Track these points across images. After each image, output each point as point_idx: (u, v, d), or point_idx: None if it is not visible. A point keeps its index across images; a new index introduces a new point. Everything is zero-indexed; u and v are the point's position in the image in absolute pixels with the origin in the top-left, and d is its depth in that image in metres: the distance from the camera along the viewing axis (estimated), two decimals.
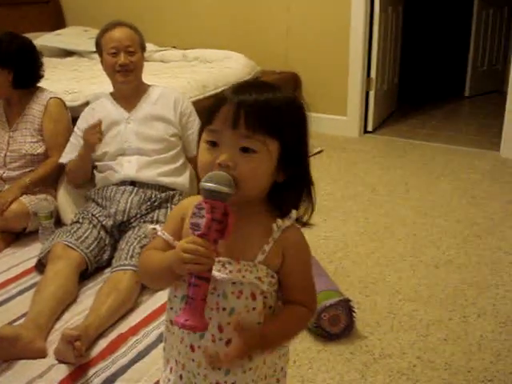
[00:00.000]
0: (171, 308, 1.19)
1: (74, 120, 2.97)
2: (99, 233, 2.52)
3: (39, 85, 3.09)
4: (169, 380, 1.24)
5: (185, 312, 1.04)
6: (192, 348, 1.15)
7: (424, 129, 4.92)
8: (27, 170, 2.97)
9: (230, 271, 1.09)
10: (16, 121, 3.01)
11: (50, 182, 3.01)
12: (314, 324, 2.06)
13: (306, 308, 1.16)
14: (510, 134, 4.08)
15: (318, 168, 3.90)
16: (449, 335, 2.12)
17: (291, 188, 1.13)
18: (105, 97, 2.86)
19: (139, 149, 2.72)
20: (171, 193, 2.69)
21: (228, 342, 1.11)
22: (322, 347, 2.05)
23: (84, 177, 2.85)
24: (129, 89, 2.77)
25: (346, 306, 2.07)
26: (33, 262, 2.61)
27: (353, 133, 4.61)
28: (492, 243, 2.82)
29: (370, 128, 4.70)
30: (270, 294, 1.14)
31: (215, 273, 1.08)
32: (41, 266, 2.51)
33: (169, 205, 2.66)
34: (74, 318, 2.21)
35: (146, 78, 2.87)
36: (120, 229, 2.56)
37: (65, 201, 2.93)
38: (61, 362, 1.96)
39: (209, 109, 1.08)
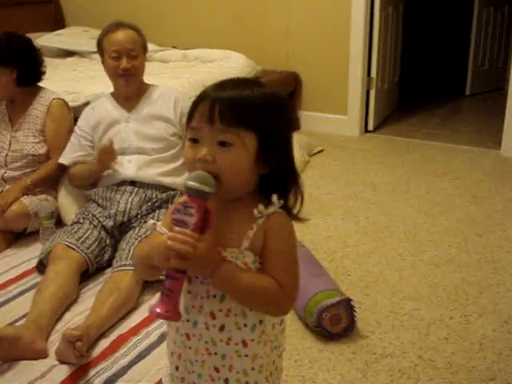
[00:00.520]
0: (188, 320, 1.19)
1: (75, 120, 2.97)
2: (100, 233, 2.52)
3: (42, 85, 3.09)
4: (168, 374, 1.27)
5: (163, 303, 1.07)
6: (188, 336, 1.17)
7: (425, 128, 4.92)
8: (28, 170, 2.97)
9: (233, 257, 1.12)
10: (19, 121, 3.01)
11: (51, 182, 3.01)
12: (314, 324, 2.06)
13: (280, 288, 1.11)
14: (510, 133, 4.08)
15: (318, 167, 3.90)
16: (450, 334, 2.11)
17: (277, 180, 1.15)
18: (105, 96, 2.86)
19: (139, 148, 2.72)
20: (172, 193, 2.68)
21: (221, 329, 1.13)
22: (323, 347, 2.05)
23: (86, 185, 2.84)
24: (130, 91, 2.77)
25: (346, 305, 2.07)
26: (33, 263, 2.61)
27: (353, 132, 4.61)
28: (493, 242, 2.82)
29: (370, 127, 4.70)
30: None
31: None
32: (41, 267, 2.51)
33: (169, 205, 2.65)
34: (75, 319, 2.21)
35: (146, 77, 2.86)
36: (121, 229, 2.56)
37: (65, 201, 2.93)
38: (62, 362, 1.96)
39: (191, 108, 1.13)
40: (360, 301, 2.30)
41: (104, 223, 2.55)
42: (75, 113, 3.11)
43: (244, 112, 1.09)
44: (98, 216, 2.57)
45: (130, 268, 2.28)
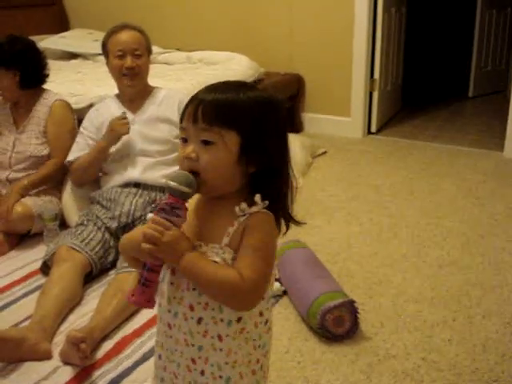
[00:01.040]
0: (169, 311, 1.22)
1: (79, 122, 2.98)
2: (104, 235, 2.53)
3: (46, 87, 3.10)
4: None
5: (139, 292, 1.14)
6: (169, 326, 1.22)
7: (428, 130, 4.92)
8: (32, 171, 2.98)
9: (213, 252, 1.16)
10: (23, 123, 3.02)
11: (55, 183, 3.02)
12: (318, 325, 2.06)
13: (243, 282, 1.09)
14: None
15: (321, 169, 3.91)
16: (453, 336, 2.12)
17: (265, 180, 1.17)
18: (110, 98, 2.88)
19: (143, 150, 2.72)
20: None
21: (199, 321, 1.17)
22: (326, 348, 2.05)
23: (91, 176, 2.85)
24: (134, 91, 2.78)
25: (350, 307, 2.08)
26: (37, 264, 2.62)
27: (356, 134, 4.61)
28: (496, 244, 2.82)
29: (373, 129, 4.70)
30: None
31: None
32: (46, 268, 2.52)
33: None
34: (79, 320, 2.22)
35: (150, 80, 2.87)
36: (125, 231, 2.56)
37: (69, 203, 2.93)
38: (66, 363, 1.97)
39: (183, 109, 1.18)
40: (363, 302, 2.30)
41: (108, 225, 2.56)
42: (79, 115, 3.11)
43: (226, 112, 1.13)
44: (102, 217, 2.58)
45: (133, 270, 2.28)
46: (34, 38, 3.45)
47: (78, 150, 2.84)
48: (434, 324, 2.19)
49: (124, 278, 2.27)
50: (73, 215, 2.88)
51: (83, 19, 5.64)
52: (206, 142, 1.13)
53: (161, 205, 1.13)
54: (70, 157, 2.86)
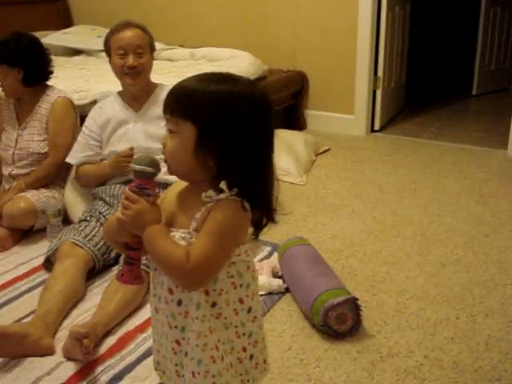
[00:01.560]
0: (154, 295, 1.28)
1: (82, 118, 2.98)
2: None
3: (49, 83, 3.10)
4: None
5: (130, 271, 1.25)
6: (156, 310, 1.28)
7: (431, 128, 4.91)
8: (35, 167, 2.98)
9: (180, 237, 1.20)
10: (26, 119, 3.02)
11: (58, 179, 3.02)
12: (321, 322, 2.06)
13: (187, 259, 1.13)
14: None
15: (324, 166, 3.90)
16: (456, 334, 2.11)
17: (230, 172, 1.17)
18: (113, 96, 2.86)
19: (147, 148, 2.71)
20: None
21: (179, 303, 1.22)
22: (328, 346, 2.05)
23: (94, 185, 2.83)
24: (137, 89, 2.77)
25: (353, 304, 2.07)
26: (40, 260, 2.62)
27: (360, 131, 4.60)
28: (500, 242, 2.81)
29: (377, 127, 4.69)
30: None
31: None
32: (49, 264, 2.52)
33: None
34: (82, 316, 2.22)
35: (153, 76, 2.86)
36: None
37: (72, 199, 2.94)
38: (69, 359, 1.97)
39: None
40: (366, 300, 2.30)
41: None
42: (82, 111, 3.11)
43: (182, 102, 1.17)
44: (104, 214, 2.58)
45: None
46: (37, 34, 3.45)
47: (79, 151, 2.82)
48: (437, 322, 2.19)
49: None
50: (76, 211, 2.88)
51: (86, 15, 5.64)
52: (170, 131, 1.19)
53: (131, 188, 1.20)
54: (72, 159, 2.85)
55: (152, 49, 2.79)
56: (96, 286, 2.43)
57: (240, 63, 4.20)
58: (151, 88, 2.82)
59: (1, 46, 2.89)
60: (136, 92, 2.77)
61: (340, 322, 2.06)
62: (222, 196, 1.15)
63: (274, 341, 2.08)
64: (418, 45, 6.30)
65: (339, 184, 3.59)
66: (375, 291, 2.39)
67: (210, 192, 1.16)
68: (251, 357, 1.30)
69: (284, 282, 2.37)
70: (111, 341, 2.07)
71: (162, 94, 2.79)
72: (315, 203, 3.29)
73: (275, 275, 2.40)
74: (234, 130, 1.16)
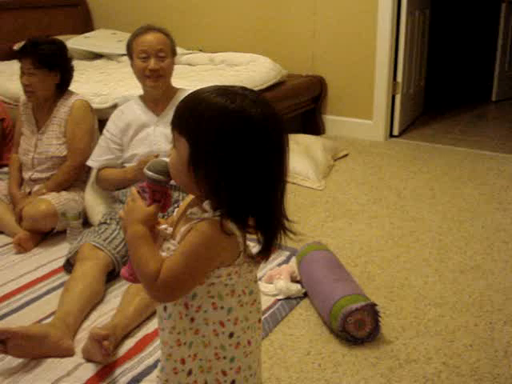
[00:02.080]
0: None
1: (103, 122, 3.00)
2: None
3: (70, 86, 3.13)
4: None
5: (129, 268, 1.27)
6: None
7: (450, 133, 4.89)
8: (55, 171, 3.01)
9: (166, 248, 1.22)
10: (45, 123, 3.05)
11: (78, 182, 3.04)
12: (339, 328, 2.06)
13: (156, 275, 1.14)
14: None
15: (343, 171, 3.90)
16: (475, 341, 2.10)
17: (221, 194, 1.14)
18: (134, 100, 2.88)
19: (168, 151, 2.73)
20: None
21: (165, 308, 1.24)
22: (347, 351, 2.05)
23: (115, 188, 2.86)
24: (158, 93, 2.79)
25: (371, 310, 2.07)
26: (60, 262, 2.65)
27: (378, 137, 4.59)
28: None
29: (395, 132, 4.68)
30: None
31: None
32: (69, 266, 2.55)
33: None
34: (101, 318, 2.24)
35: (173, 81, 2.88)
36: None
37: (92, 201, 2.96)
38: (88, 360, 1.98)
39: None
40: (384, 306, 2.29)
41: None
42: (103, 115, 3.14)
43: (179, 117, 1.17)
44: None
45: None
46: (58, 37, 3.50)
47: (100, 155, 2.85)
48: (456, 329, 2.18)
49: None
50: (95, 214, 2.90)
51: (107, 20, 5.69)
52: (173, 143, 1.20)
53: (136, 187, 1.26)
54: (93, 162, 2.88)
55: (174, 53, 2.81)
56: (115, 289, 2.44)
57: (259, 68, 4.22)
58: (172, 92, 2.83)
59: (40, 50, 2.90)
60: (157, 95, 2.79)
61: (358, 327, 2.06)
62: (205, 215, 1.15)
63: (292, 345, 2.08)
64: (438, 50, 6.28)
65: (357, 189, 3.58)
66: (393, 297, 2.39)
67: (196, 209, 1.17)
68: (233, 382, 1.26)
69: (302, 286, 2.37)
70: (130, 343, 2.08)
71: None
72: (333, 208, 3.29)
73: (294, 280, 2.41)
74: (227, 151, 1.12)
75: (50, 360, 1.99)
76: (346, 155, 4.22)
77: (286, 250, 2.73)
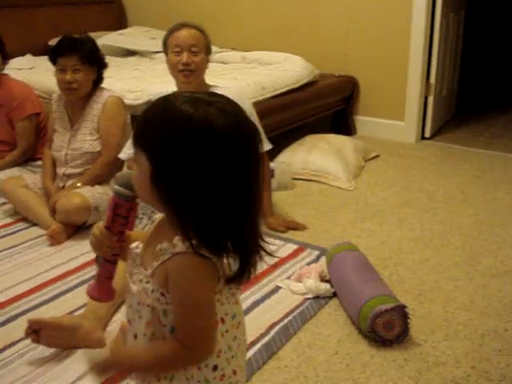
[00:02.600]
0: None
1: (136, 118, 3.03)
2: None
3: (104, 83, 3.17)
4: None
5: (94, 286, 1.31)
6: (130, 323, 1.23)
7: (483, 136, 4.83)
8: (88, 166, 3.06)
9: (136, 273, 1.16)
10: (78, 120, 3.09)
11: (111, 177, 3.06)
12: (368, 328, 2.06)
13: (184, 347, 1.08)
14: None
15: (373, 172, 3.88)
16: (504, 346, 2.08)
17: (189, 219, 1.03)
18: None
19: None
20: None
21: (136, 337, 1.17)
22: (375, 352, 2.05)
23: None
24: (191, 88, 2.81)
25: (401, 312, 2.06)
26: (92, 255, 2.64)
27: (410, 138, 4.56)
28: None
29: (427, 134, 4.64)
30: (163, 312, 1.11)
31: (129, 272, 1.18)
32: (100, 259, 2.57)
33: None
34: None
35: (206, 78, 2.91)
36: None
37: None
38: None
39: None
40: (413, 308, 2.28)
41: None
42: (137, 111, 3.18)
43: (140, 133, 1.06)
44: (156, 211, 2.62)
45: None
46: (92, 34, 3.56)
47: (130, 147, 2.89)
48: (485, 333, 2.16)
49: None
50: None
51: (141, 17, 5.74)
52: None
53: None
54: (122, 154, 2.93)
55: (208, 50, 2.83)
56: None
57: (291, 67, 4.22)
58: (205, 88, 2.86)
59: (84, 47, 2.97)
60: (189, 90, 2.81)
61: (387, 328, 2.05)
62: (177, 249, 1.04)
63: (320, 344, 2.09)
64: (471, 51, 6.21)
65: (388, 191, 3.57)
66: (423, 300, 2.38)
67: (165, 244, 1.06)
68: None
69: (331, 286, 2.37)
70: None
71: None
72: (363, 209, 3.28)
73: (323, 279, 2.41)
74: (189, 167, 1.00)
75: (80, 351, 2.02)
76: (377, 156, 4.20)
77: (315, 249, 2.74)
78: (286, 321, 2.20)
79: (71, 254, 2.77)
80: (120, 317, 2.22)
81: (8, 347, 2.07)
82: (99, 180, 3.03)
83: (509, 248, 2.82)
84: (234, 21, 5.17)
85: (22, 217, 3.10)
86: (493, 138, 4.81)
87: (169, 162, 1.00)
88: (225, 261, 1.07)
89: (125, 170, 3.01)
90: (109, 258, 1.26)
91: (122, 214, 1.19)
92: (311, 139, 4.00)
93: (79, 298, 2.35)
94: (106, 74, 3.16)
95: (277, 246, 2.77)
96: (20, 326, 2.09)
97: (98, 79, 3.08)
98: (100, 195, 2.94)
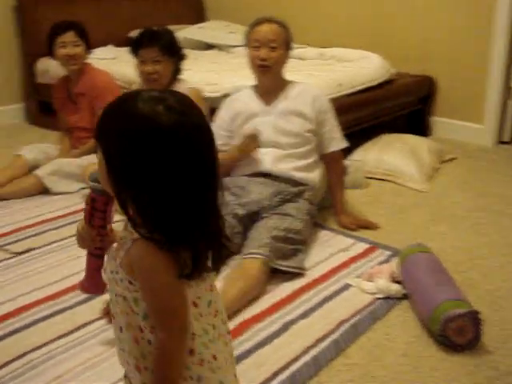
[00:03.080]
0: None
1: (213, 111, 3.08)
2: (231, 220, 2.61)
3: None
4: None
5: (83, 279, 1.41)
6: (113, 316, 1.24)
7: None
8: None
9: (109, 266, 1.20)
10: None
11: None
12: (438, 332, 2.03)
13: (162, 333, 1.10)
14: None
15: (448, 175, 3.81)
16: None
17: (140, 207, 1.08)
18: (246, 89, 2.95)
19: (275, 142, 2.79)
20: (302, 188, 2.74)
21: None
22: (445, 356, 2.02)
23: (225, 172, 2.94)
24: (268, 83, 2.84)
25: (474, 317, 2.02)
26: None
27: (487, 142, 4.44)
28: None
29: (505, 138, 4.51)
30: (134, 300, 1.13)
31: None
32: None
33: (299, 199, 2.71)
34: None
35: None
36: (251, 218, 2.64)
37: None
38: None
39: None
40: (487, 315, 2.22)
41: (236, 211, 2.64)
42: (214, 103, 3.22)
43: (98, 125, 1.10)
44: (230, 203, 2.67)
45: (258, 256, 2.35)
46: (173, 27, 3.62)
47: None
48: None
49: (249, 263, 2.34)
50: None
51: (220, 11, 5.80)
52: None
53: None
54: None
55: (287, 46, 2.84)
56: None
57: (369, 65, 4.19)
58: (284, 84, 2.88)
59: (165, 38, 3.05)
60: (268, 86, 2.85)
61: (459, 333, 2.02)
62: (135, 236, 1.09)
63: (389, 345, 2.08)
64: None
65: (463, 194, 3.49)
66: (496, 307, 2.32)
67: (124, 233, 1.14)
68: None
69: (404, 287, 2.35)
70: (229, 326, 2.13)
71: (295, 91, 2.86)
72: (437, 211, 3.22)
73: (394, 280, 2.39)
74: (133, 161, 1.04)
75: None
76: (453, 159, 4.11)
77: (386, 249, 2.72)
78: (355, 319, 2.20)
79: None
80: None
81: (82, 327, 2.15)
82: None
83: None
84: (311, 17, 5.15)
85: None
86: None
87: (116, 155, 1.06)
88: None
89: None
90: (92, 251, 1.34)
91: (100, 208, 1.26)
92: (386, 138, 3.96)
93: None
94: (185, 66, 3.22)
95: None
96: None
97: (177, 70, 3.14)
98: None
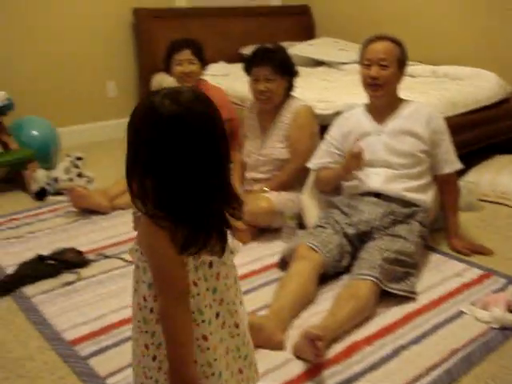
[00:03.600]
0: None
1: (324, 128, 3.09)
2: (341, 239, 2.59)
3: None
4: None
5: None
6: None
7: None
8: (276, 172, 3.16)
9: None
10: (269, 127, 3.19)
11: (297, 184, 3.13)
12: None
13: (163, 301, 1.22)
14: None
15: None
16: None
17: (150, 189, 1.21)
18: (359, 107, 2.93)
19: (387, 162, 2.75)
20: (414, 209, 2.68)
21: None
22: None
23: (332, 188, 2.95)
24: (380, 101, 2.81)
25: None
26: (273, 258, 2.77)
27: None
28: None
29: None
30: (143, 269, 1.26)
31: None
32: (283, 263, 2.66)
33: (411, 221, 2.65)
34: (312, 318, 2.28)
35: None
36: (361, 238, 2.62)
37: (308, 204, 3.04)
38: (298, 357, 2.04)
39: None
40: None
41: (346, 230, 2.62)
42: (325, 121, 3.22)
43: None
44: (341, 222, 2.65)
45: (369, 278, 2.31)
46: (284, 43, 3.65)
47: (320, 157, 2.96)
48: None
49: (359, 284, 2.31)
50: (310, 216, 2.99)
51: (329, 28, 5.81)
52: None
53: None
54: (311, 164, 2.99)
55: (400, 64, 2.79)
56: (326, 291, 2.49)
57: (484, 83, 4.06)
58: (396, 102, 2.84)
59: (277, 57, 3.08)
60: (379, 105, 2.81)
61: None
62: (139, 214, 1.25)
63: (506, 378, 1.98)
64: None
65: None
66: None
67: (134, 210, 1.29)
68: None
69: None
70: (339, 347, 2.11)
71: (408, 110, 2.81)
72: None
73: (510, 310, 2.29)
74: (142, 146, 1.19)
75: (261, 351, 2.07)
76: None
77: (502, 277, 2.62)
78: (468, 349, 2.12)
79: (254, 254, 2.87)
80: (301, 323, 2.26)
81: None
82: (286, 186, 3.11)
83: None
84: (423, 33, 5.05)
85: None
86: None
87: (128, 141, 1.22)
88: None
89: (310, 179, 3.07)
90: None
91: None
92: (500, 160, 3.82)
93: (259, 298, 2.44)
94: (296, 83, 3.23)
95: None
96: None
97: (290, 87, 3.16)
98: (286, 201, 3.03)
